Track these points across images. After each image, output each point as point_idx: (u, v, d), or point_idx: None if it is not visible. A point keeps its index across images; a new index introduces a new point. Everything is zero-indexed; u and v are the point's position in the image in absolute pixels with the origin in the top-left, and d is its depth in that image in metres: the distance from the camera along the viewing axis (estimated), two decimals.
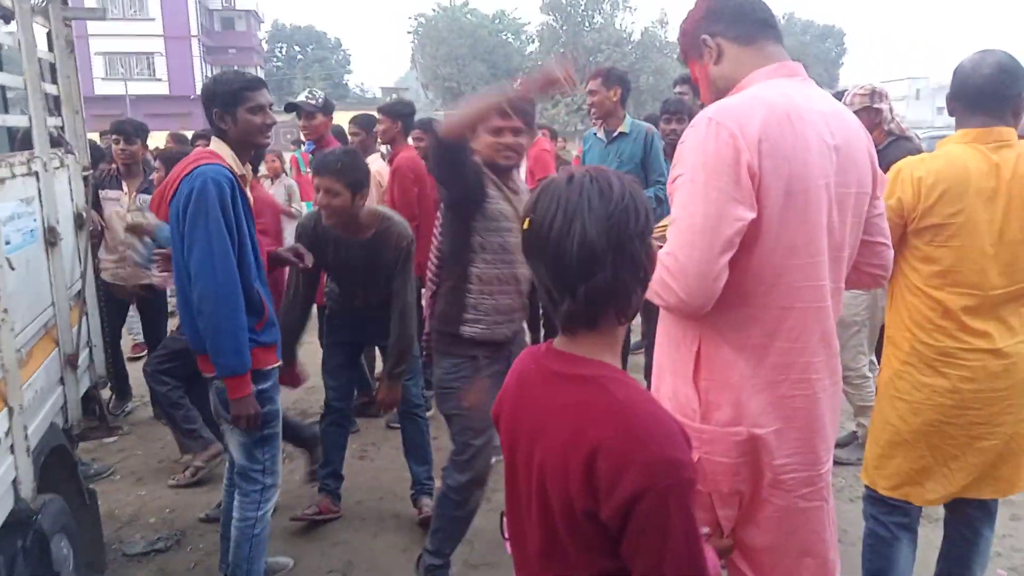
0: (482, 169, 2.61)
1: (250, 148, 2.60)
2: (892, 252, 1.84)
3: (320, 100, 4.63)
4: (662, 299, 1.58)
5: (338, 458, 3.57)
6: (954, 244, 2.20)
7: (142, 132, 4.61)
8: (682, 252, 1.53)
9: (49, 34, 3.07)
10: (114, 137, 4.56)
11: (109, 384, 3.92)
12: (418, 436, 3.56)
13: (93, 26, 40.91)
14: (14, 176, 2.36)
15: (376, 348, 4.56)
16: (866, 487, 2.51)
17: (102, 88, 41.89)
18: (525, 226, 1.14)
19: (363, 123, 5.02)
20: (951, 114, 2.35)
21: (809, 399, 1.64)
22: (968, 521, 2.51)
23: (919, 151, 3.53)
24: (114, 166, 4.61)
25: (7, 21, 2.82)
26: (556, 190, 1.10)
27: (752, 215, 1.50)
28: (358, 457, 4.25)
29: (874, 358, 4.00)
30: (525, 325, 3.13)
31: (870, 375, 3.87)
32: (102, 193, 4.49)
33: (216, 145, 2.56)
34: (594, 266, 1.06)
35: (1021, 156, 2.21)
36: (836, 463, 3.73)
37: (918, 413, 2.31)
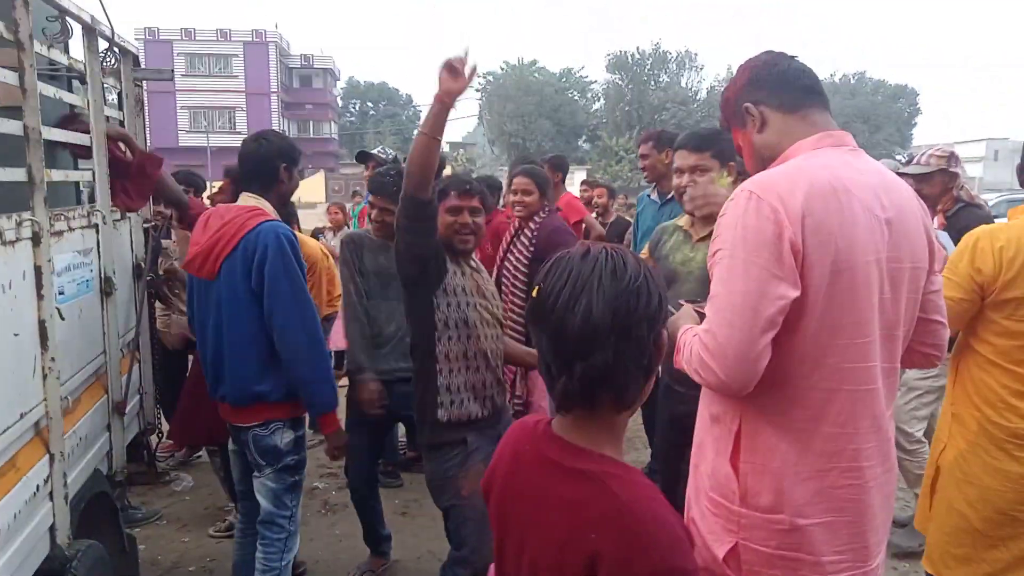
0: (441, 244, 2.61)
1: (284, 207, 2.74)
2: (948, 331, 1.71)
3: (391, 156, 4.76)
4: (701, 378, 1.52)
5: (376, 520, 3.58)
6: None
7: (204, 185, 4.77)
8: (721, 331, 1.46)
9: (120, 93, 3.23)
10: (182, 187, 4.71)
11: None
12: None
13: (181, 82, 43.52)
14: (72, 229, 2.45)
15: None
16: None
17: (185, 140, 44.22)
18: (533, 294, 1.10)
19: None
20: (1022, 184, 2.26)
21: (860, 489, 1.52)
22: None
23: (989, 219, 3.39)
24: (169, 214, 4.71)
25: (82, 82, 2.99)
26: (569, 262, 1.07)
27: (795, 293, 1.43)
28: (400, 513, 4.21)
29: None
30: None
31: (925, 441, 3.64)
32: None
33: (259, 202, 2.67)
34: (594, 345, 1.02)
35: None
36: (895, 554, 3.52)
37: (988, 500, 2.17)
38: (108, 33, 2.87)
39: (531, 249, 3.74)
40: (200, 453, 4.99)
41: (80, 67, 2.78)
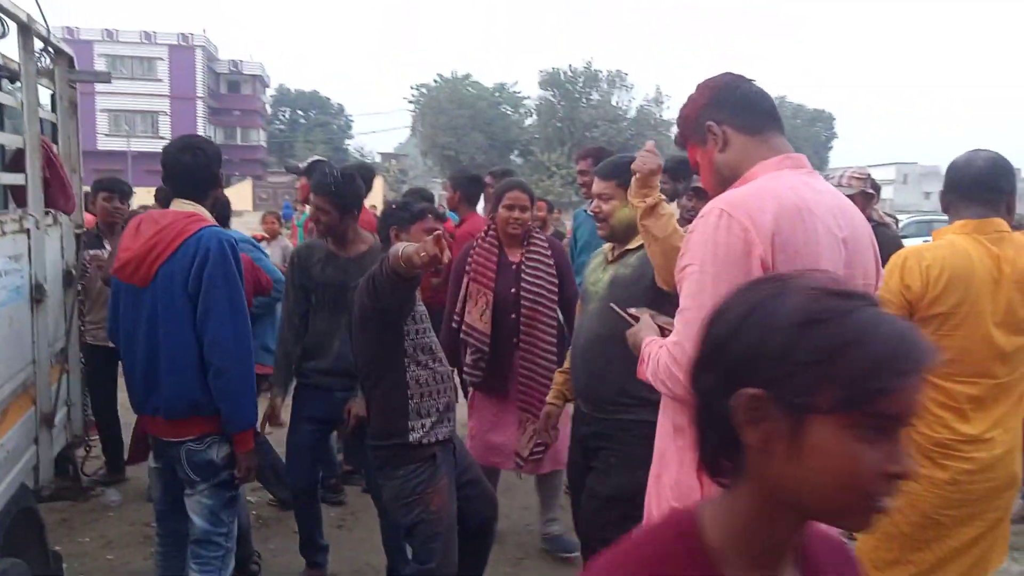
0: None
1: (224, 210, 2.72)
2: None
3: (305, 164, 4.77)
4: (669, 389, 1.57)
5: (315, 531, 3.50)
6: (959, 333, 2.21)
7: (130, 192, 4.57)
8: (691, 344, 1.50)
9: (53, 95, 3.13)
10: (104, 195, 4.40)
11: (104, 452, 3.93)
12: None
13: (100, 84, 41.77)
14: (4, 233, 2.37)
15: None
16: None
17: (105, 143, 42.53)
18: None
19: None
20: (945, 209, 2.40)
21: None
22: None
23: (898, 238, 3.61)
24: (96, 224, 4.46)
25: (12, 81, 2.88)
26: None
27: None
28: (336, 526, 4.15)
29: None
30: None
31: None
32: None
33: (197, 208, 2.63)
34: None
35: (1020, 248, 2.26)
36: None
37: (915, 505, 2.28)
38: (44, 32, 2.78)
39: (550, 261, 3.65)
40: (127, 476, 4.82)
41: (14, 66, 2.69)
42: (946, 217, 2.44)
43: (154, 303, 2.51)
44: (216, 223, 2.65)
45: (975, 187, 2.29)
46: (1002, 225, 2.27)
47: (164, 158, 2.64)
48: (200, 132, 44.02)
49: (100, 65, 42.99)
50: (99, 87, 41.76)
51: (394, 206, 2.95)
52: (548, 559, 3.87)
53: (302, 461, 3.40)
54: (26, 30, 2.64)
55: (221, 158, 2.74)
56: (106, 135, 43.60)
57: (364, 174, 4.89)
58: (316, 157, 4.82)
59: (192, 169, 2.61)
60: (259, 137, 54.22)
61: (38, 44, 2.84)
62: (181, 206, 2.62)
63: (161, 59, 45.93)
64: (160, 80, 45.84)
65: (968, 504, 2.26)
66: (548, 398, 3.18)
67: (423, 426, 2.63)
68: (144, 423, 2.70)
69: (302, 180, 4.68)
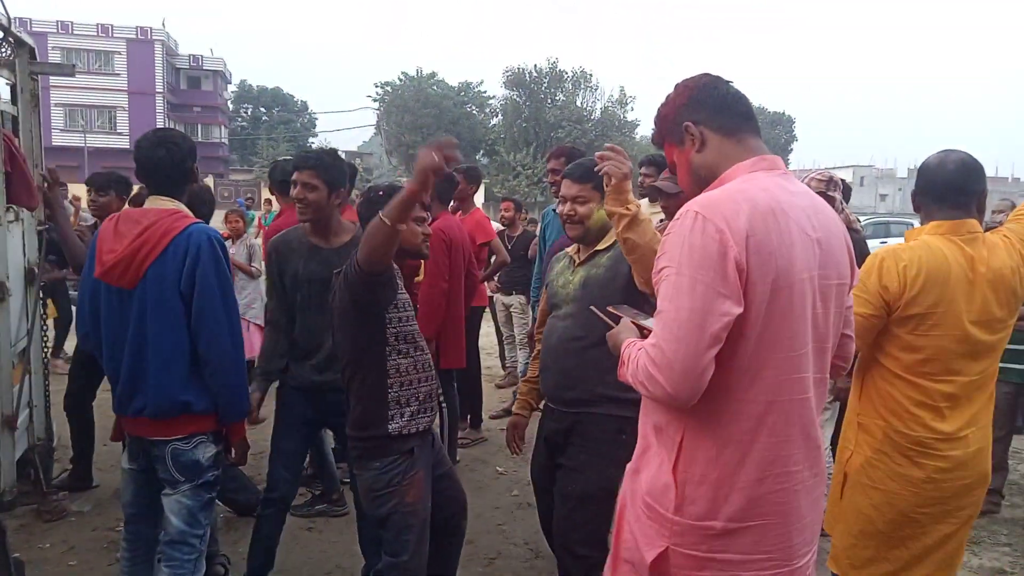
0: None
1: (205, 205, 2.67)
2: (855, 344, 1.87)
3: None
4: (648, 391, 1.57)
5: (275, 544, 3.30)
6: (936, 332, 2.25)
7: (119, 185, 4.31)
8: (668, 346, 1.52)
9: (14, 87, 3.03)
10: (88, 189, 4.30)
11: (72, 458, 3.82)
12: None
13: (56, 78, 40.73)
14: None
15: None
16: None
17: (60, 139, 41.45)
18: None
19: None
20: (916, 209, 2.43)
21: (789, 492, 1.61)
22: None
23: (864, 242, 3.67)
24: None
25: None
26: None
27: (739, 310, 1.50)
28: (307, 528, 4.10)
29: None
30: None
31: (829, 460, 3.87)
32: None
33: (177, 205, 2.60)
34: None
35: (992, 248, 2.31)
36: None
37: (892, 503, 2.32)
38: (4, 22, 2.70)
39: None
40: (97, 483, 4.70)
41: None
42: (899, 219, 2.49)
43: (143, 304, 2.47)
44: (197, 219, 2.61)
45: (947, 189, 2.33)
46: (975, 226, 2.31)
47: (137, 153, 2.58)
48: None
49: (55, 59, 41.93)
50: (54, 80, 40.72)
51: (380, 192, 2.81)
52: (520, 558, 3.87)
53: (288, 468, 3.24)
54: None
55: (196, 152, 2.69)
56: (61, 130, 42.46)
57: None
58: (283, 157, 4.72)
59: (167, 164, 2.56)
60: (220, 134, 53.30)
61: None
62: (159, 203, 2.57)
63: (119, 53, 44.86)
64: (118, 75, 44.78)
65: (943, 502, 2.30)
66: (515, 408, 3.17)
67: (403, 415, 2.61)
68: (124, 424, 2.64)
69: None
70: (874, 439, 2.36)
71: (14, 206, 2.79)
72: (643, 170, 5.45)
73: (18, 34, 2.89)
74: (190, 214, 2.60)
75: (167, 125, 44.91)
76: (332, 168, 3.04)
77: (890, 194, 53.46)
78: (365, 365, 2.59)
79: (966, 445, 2.29)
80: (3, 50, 2.83)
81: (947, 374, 2.27)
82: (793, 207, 1.59)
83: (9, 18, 2.73)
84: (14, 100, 3.04)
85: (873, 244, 2.90)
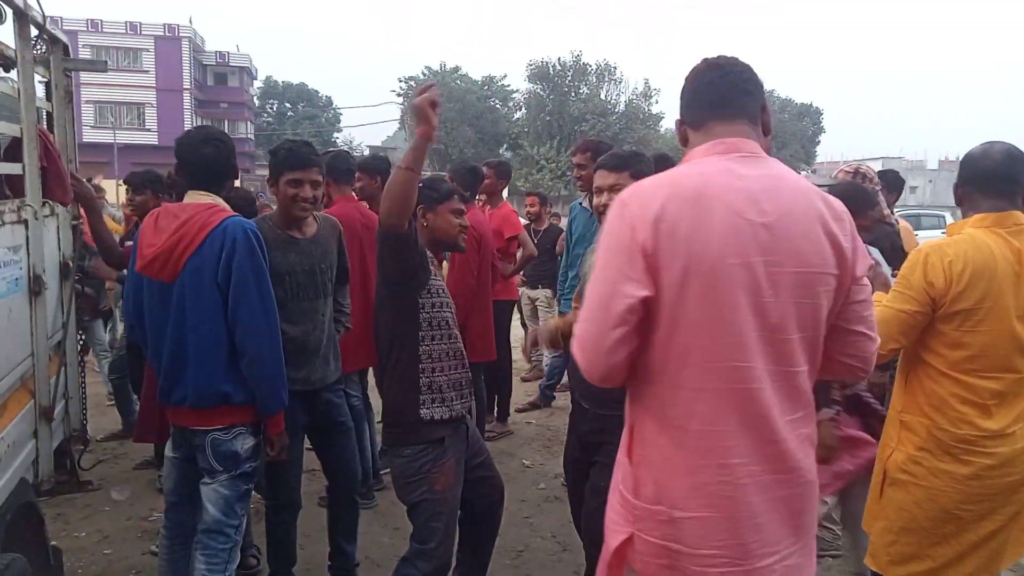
0: (423, 247, 2.67)
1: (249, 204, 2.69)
2: (875, 344, 1.69)
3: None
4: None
5: (293, 545, 3.29)
6: (983, 329, 2.21)
7: (155, 183, 4.36)
8: (582, 326, 1.58)
9: (48, 83, 3.08)
10: (126, 188, 4.43)
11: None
12: (356, 515, 3.41)
13: (85, 75, 41.29)
14: (3, 224, 2.33)
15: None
16: (873, 573, 2.46)
17: (90, 136, 42.09)
18: None
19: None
20: (959, 201, 2.39)
21: (732, 487, 1.55)
22: None
23: (896, 234, 3.61)
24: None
25: (7, 69, 2.83)
26: None
27: (645, 292, 1.50)
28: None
29: None
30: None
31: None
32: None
33: (214, 199, 2.63)
34: None
35: None
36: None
37: (935, 500, 2.29)
38: (39, 20, 2.74)
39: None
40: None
41: (9, 54, 2.64)
42: (929, 211, 2.45)
43: (182, 296, 2.51)
44: (236, 212, 2.64)
45: (992, 180, 2.28)
46: (1021, 218, 2.26)
47: (181, 151, 2.63)
48: (188, 124, 43.76)
49: (85, 55, 42.47)
50: (84, 78, 41.36)
51: (421, 185, 2.89)
52: (548, 551, 3.87)
53: (291, 474, 3.15)
54: (22, 17, 2.60)
55: (236, 150, 2.74)
56: (92, 127, 43.07)
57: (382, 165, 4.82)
58: (330, 150, 4.72)
59: (213, 161, 2.62)
60: (247, 130, 53.77)
61: (33, 31, 2.79)
62: (198, 198, 2.61)
63: (147, 50, 45.37)
64: (146, 71, 45.30)
65: (988, 499, 2.26)
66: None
67: (434, 401, 2.63)
68: (168, 414, 2.70)
69: None
70: (918, 436, 2.33)
71: (49, 201, 2.83)
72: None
73: (52, 31, 2.92)
74: (228, 208, 2.64)
75: (194, 121, 45.52)
76: (322, 162, 3.12)
77: (920, 186, 52.59)
78: (398, 348, 2.63)
79: (1013, 442, 2.24)
80: (38, 47, 2.86)
81: (995, 371, 2.23)
82: (731, 190, 1.53)
83: (44, 16, 2.77)
84: (48, 97, 3.08)
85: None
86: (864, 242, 1.79)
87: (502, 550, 3.77)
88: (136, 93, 44.79)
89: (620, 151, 2.84)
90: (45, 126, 3.05)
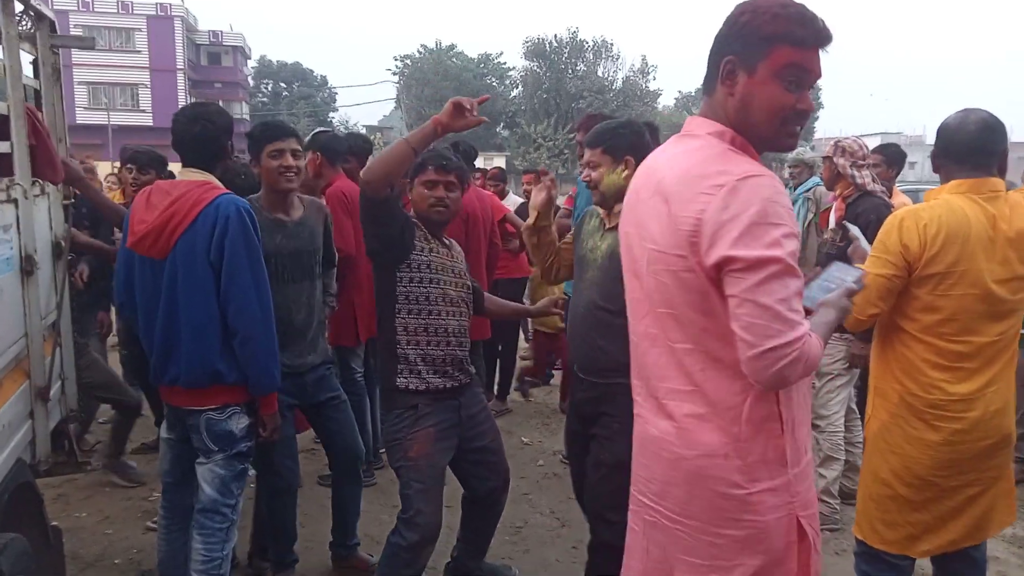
0: (412, 221, 2.73)
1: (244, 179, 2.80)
2: (754, 351, 1.45)
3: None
4: None
5: (293, 528, 3.25)
6: (956, 292, 2.21)
7: (159, 164, 4.34)
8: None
9: (35, 61, 3.03)
10: (128, 166, 4.36)
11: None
12: (359, 491, 3.42)
13: (78, 56, 41.01)
14: None
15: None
16: (859, 542, 2.48)
17: (84, 117, 41.78)
18: None
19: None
20: (936, 170, 2.39)
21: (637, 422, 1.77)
22: None
23: (882, 206, 3.61)
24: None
25: None
26: None
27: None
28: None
29: (854, 406, 4.01)
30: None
31: (839, 428, 3.85)
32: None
33: (208, 177, 2.61)
34: None
35: (1015, 207, 2.25)
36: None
37: (909, 468, 2.30)
38: None
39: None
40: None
41: None
42: (929, 186, 2.45)
43: (173, 274, 2.49)
44: (228, 190, 2.62)
45: (968, 151, 2.27)
46: (997, 184, 2.27)
47: (175, 126, 2.62)
48: (181, 105, 43.37)
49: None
50: (77, 59, 40.97)
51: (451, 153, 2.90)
52: (546, 527, 3.89)
53: (285, 454, 3.10)
54: None
55: (231, 129, 2.70)
56: (85, 108, 42.76)
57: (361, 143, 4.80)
58: (320, 128, 4.65)
59: (206, 138, 2.60)
60: (242, 110, 53.39)
61: (18, 7, 2.74)
62: (191, 175, 2.59)
63: (139, 30, 44.90)
64: (139, 52, 44.87)
65: (961, 463, 2.27)
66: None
67: (410, 372, 2.72)
68: (161, 393, 2.70)
69: (310, 153, 4.50)
70: (890, 403, 2.34)
71: (39, 180, 2.80)
72: None
73: (38, 7, 2.87)
74: (221, 186, 2.61)
75: (188, 101, 45.11)
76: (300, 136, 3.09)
77: (919, 161, 52.41)
78: (380, 319, 2.77)
79: (984, 405, 2.25)
80: (23, 23, 2.81)
81: (965, 334, 2.23)
82: (649, 168, 1.68)
83: None
84: (36, 74, 3.04)
85: None
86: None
87: (501, 526, 3.76)
88: (129, 74, 44.43)
89: (601, 125, 2.82)
90: (33, 104, 3.01)
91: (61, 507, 4.02)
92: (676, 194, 1.54)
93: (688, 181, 1.52)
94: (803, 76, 1.52)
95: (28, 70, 3.06)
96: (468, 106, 2.37)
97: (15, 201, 2.54)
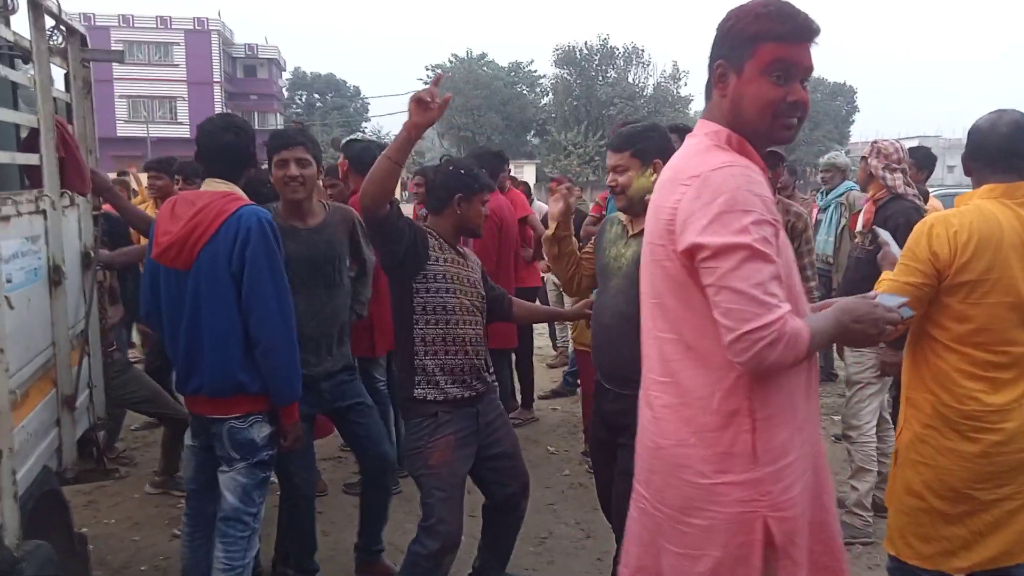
0: (425, 231, 2.75)
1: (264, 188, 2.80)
2: (732, 335, 1.47)
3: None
4: None
5: (313, 535, 3.25)
6: (989, 300, 2.14)
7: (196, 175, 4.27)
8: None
9: (67, 75, 3.09)
10: (151, 174, 4.46)
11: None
12: (387, 496, 3.39)
13: (118, 70, 42.09)
14: (20, 214, 2.34)
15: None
16: (891, 557, 2.40)
17: (124, 130, 42.80)
18: None
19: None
20: (967, 173, 2.33)
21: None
22: None
23: (912, 209, 3.51)
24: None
25: (25, 61, 2.85)
26: None
27: None
28: (357, 507, 4.13)
29: (887, 415, 3.90)
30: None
31: (872, 438, 3.75)
32: None
33: (230, 188, 2.63)
34: None
35: None
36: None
37: (944, 480, 2.23)
38: (55, 10, 2.74)
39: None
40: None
41: (25, 44, 2.64)
42: (967, 190, 2.37)
43: (197, 285, 2.51)
44: (251, 201, 2.64)
45: (1000, 153, 2.21)
46: None
47: (202, 136, 2.63)
48: None
49: (118, 50, 43.08)
50: (118, 73, 42.02)
51: (462, 171, 2.85)
52: (571, 538, 3.84)
53: (299, 463, 3.08)
54: (36, 7, 2.60)
55: (256, 138, 2.75)
56: (125, 121, 43.80)
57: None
58: (352, 137, 4.67)
59: (233, 148, 2.63)
60: (276, 121, 54.21)
61: (49, 22, 2.80)
62: (215, 186, 2.61)
63: (177, 44, 45.92)
64: (177, 65, 45.87)
65: (1000, 476, 2.19)
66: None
67: (428, 383, 2.72)
68: (186, 402, 2.73)
69: (339, 158, 4.52)
70: (923, 414, 2.27)
71: (68, 192, 2.85)
72: None
73: (69, 22, 2.93)
74: (244, 196, 2.63)
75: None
76: (315, 143, 3.06)
77: (959, 165, 51.20)
78: (398, 330, 2.79)
79: (1021, 416, 2.16)
80: (55, 38, 2.87)
81: (1001, 344, 2.16)
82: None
83: (60, 6, 2.77)
84: (67, 88, 3.09)
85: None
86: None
87: (526, 537, 3.75)
88: (167, 87, 45.42)
89: (626, 128, 2.78)
90: (64, 118, 3.06)
91: (91, 513, 4.08)
92: (661, 187, 1.66)
93: (673, 175, 1.63)
94: (790, 70, 1.56)
95: (60, 84, 3.13)
96: (429, 98, 2.39)
97: (44, 212, 2.59)
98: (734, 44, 1.58)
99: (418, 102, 2.40)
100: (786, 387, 1.61)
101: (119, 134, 42.09)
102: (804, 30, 1.57)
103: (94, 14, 42.66)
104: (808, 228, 3.65)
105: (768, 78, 1.56)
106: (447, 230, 2.83)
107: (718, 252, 1.48)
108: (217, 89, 46.80)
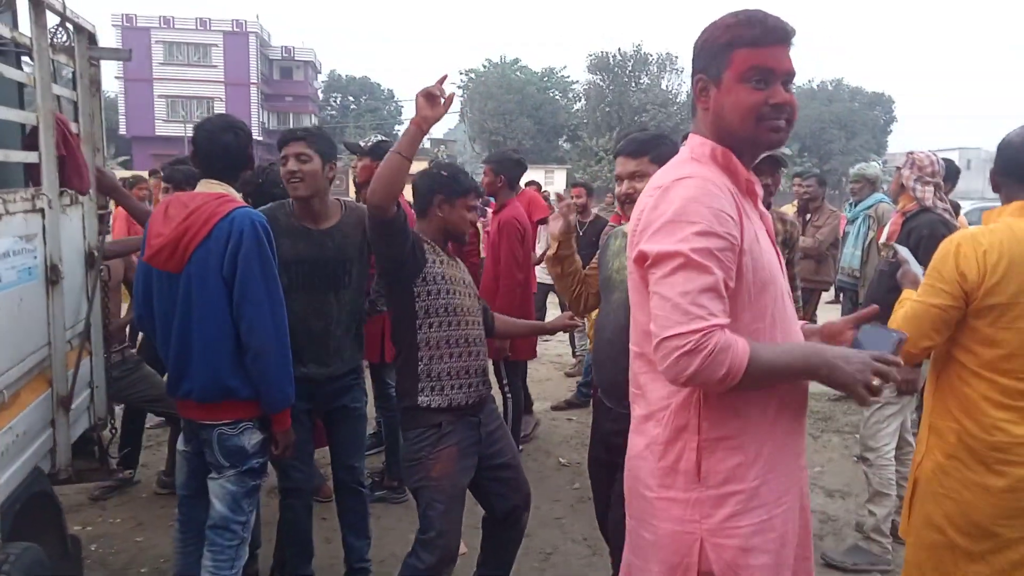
0: (419, 236, 2.68)
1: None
2: (654, 341, 1.46)
3: (369, 143, 4.47)
4: None
5: (310, 538, 3.20)
6: (1020, 325, 2.02)
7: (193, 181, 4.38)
8: None
9: (74, 72, 3.07)
10: (164, 185, 4.27)
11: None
12: (361, 508, 3.27)
13: (158, 71, 42.92)
14: (11, 213, 2.31)
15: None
16: None
17: (163, 129, 43.59)
18: None
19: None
20: (995, 189, 2.21)
21: None
22: None
23: (939, 223, 3.36)
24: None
25: (31, 57, 2.83)
26: None
27: None
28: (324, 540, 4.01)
29: (910, 437, 3.74)
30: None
31: (890, 460, 3.58)
32: None
33: (224, 188, 2.59)
34: None
35: None
36: (828, 565, 3.53)
37: (967, 515, 2.10)
38: (59, 7, 2.72)
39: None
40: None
41: (26, 41, 2.62)
42: None
43: (188, 288, 2.47)
44: (244, 203, 2.60)
45: None
46: None
47: (200, 136, 2.60)
48: (255, 118, 44.86)
49: (158, 51, 44.08)
50: (157, 74, 42.83)
51: (443, 173, 2.81)
52: (578, 555, 3.74)
53: (306, 458, 3.07)
54: (37, 3, 2.57)
55: (251, 137, 2.71)
56: (164, 121, 44.62)
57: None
58: (380, 137, 4.54)
59: (232, 149, 2.59)
60: (311, 123, 54.88)
61: (54, 19, 2.77)
62: (209, 187, 2.57)
63: (216, 45, 46.66)
64: (215, 66, 46.61)
65: None
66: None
67: (433, 389, 2.64)
68: (177, 406, 2.68)
69: (364, 160, 4.40)
70: (946, 443, 2.13)
71: (70, 190, 2.82)
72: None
73: (76, 19, 2.91)
74: (238, 198, 2.59)
75: (260, 115, 46.62)
76: (323, 139, 2.97)
77: None
78: (399, 336, 2.69)
79: None
80: (60, 35, 2.85)
81: None
82: None
83: (64, 3, 2.75)
84: (74, 86, 3.08)
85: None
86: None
87: (531, 551, 3.66)
88: (206, 87, 46.16)
89: (639, 134, 2.66)
90: (72, 117, 3.05)
91: (96, 512, 4.07)
92: (646, 198, 1.63)
93: (647, 188, 1.64)
94: (768, 74, 1.54)
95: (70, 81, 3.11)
96: (437, 92, 2.40)
97: (41, 211, 2.56)
98: (710, 57, 1.59)
99: (427, 96, 2.39)
100: (743, 412, 1.54)
101: (158, 133, 42.88)
102: (776, 32, 1.55)
103: (136, 15, 43.55)
104: (798, 239, 3.69)
105: (747, 85, 1.54)
106: (433, 234, 2.75)
107: (656, 259, 1.49)
108: (254, 90, 47.47)
